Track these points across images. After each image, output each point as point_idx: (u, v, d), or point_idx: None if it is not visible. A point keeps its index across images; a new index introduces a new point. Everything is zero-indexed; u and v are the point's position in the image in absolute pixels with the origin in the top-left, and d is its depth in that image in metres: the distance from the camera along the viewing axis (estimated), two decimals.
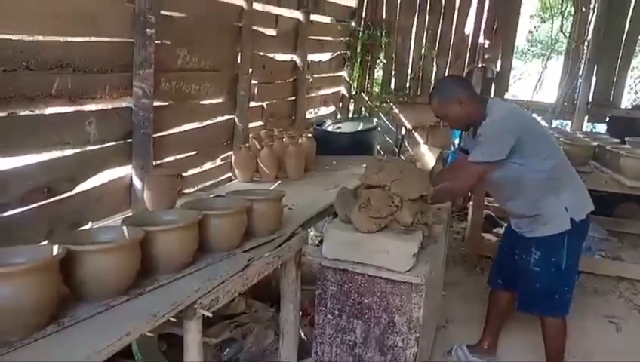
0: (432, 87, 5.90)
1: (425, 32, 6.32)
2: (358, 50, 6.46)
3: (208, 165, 3.84)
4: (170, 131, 3.31)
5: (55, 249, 1.51)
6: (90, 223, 2.72)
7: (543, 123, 5.54)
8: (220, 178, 3.98)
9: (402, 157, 6.45)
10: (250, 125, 4.32)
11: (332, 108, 6.26)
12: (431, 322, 2.97)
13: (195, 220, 1.95)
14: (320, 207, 3.05)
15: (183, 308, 1.72)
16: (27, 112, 2.31)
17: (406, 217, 2.44)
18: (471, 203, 5.04)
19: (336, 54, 6.07)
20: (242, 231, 2.22)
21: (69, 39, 2.47)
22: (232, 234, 2.15)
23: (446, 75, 6.27)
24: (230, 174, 4.00)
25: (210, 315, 1.81)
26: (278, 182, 3.82)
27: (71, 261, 1.55)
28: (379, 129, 6.42)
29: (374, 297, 2.45)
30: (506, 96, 6.15)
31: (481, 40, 6.10)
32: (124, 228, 1.78)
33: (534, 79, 6.96)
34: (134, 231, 1.74)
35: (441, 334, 3.60)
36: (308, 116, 5.68)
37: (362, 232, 2.40)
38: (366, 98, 6.56)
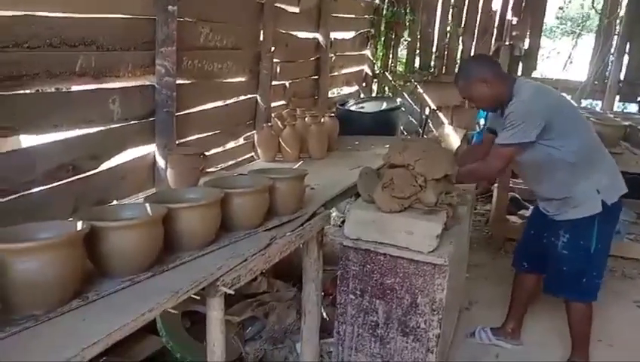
0: (457, 66, 5.79)
1: (450, 9, 6.19)
2: (382, 28, 6.35)
3: (231, 144, 3.84)
4: (193, 110, 3.30)
5: (79, 224, 1.52)
6: (115, 201, 2.74)
7: (573, 102, 5.39)
8: (243, 157, 3.97)
9: (426, 138, 6.40)
10: (273, 104, 4.29)
11: (355, 88, 6.19)
12: (454, 304, 2.94)
13: (218, 198, 1.94)
14: (342, 186, 3.02)
15: (206, 285, 1.72)
16: (52, 90, 2.32)
17: (430, 197, 2.40)
18: (496, 184, 4.96)
19: (359, 32, 5.98)
20: (264, 210, 2.21)
21: (93, 16, 2.46)
22: (255, 212, 2.15)
23: (472, 53, 6.15)
24: (253, 154, 3.99)
25: (232, 293, 1.81)
26: (300, 162, 3.81)
27: (95, 237, 1.56)
28: (403, 109, 6.35)
29: (397, 278, 2.43)
30: (534, 74, 6.00)
31: (508, 17, 5.95)
32: (147, 205, 1.78)
33: (564, 57, 6.77)
34: (157, 208, 1.74)
35: (465, 316, 3.57)
36: (330, 95, 5.64)
37: (385, 212, 2.38)
38: (389, 77, 6.47)
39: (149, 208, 1.76)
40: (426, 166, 2.41)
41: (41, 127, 2.29)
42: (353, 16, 5.73)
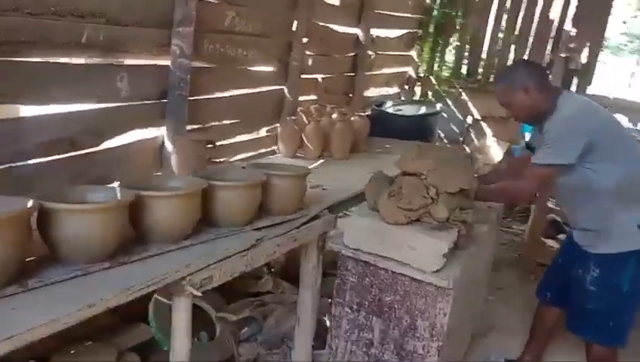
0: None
1: (505, 14, 5.84)
2: (431, 30, 6.08)
3: (252, 135, 3.70)
4: (210, 95, 3.17)
5: (29, 202, 1.39)
6: (117, 182, 2.64)
7: (629, 124, 5.00)
8: (264, 150, 3.82)
9: (466, 148, 6.10)
10: (302, 98, 4.13)
11: (396, 89, 5.95)
12: (463, 330, 2.70)
13: (198, 189, 1.79)
14: (356, 190, 2.82)
15: (166, 283, 1.57)
16: (53, 60, 2.22)
17: (441, 212, 2.18)
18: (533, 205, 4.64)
19: (405, 32, 5.73)
20: (254, 207, 2.04)
21: None
22: (242, 209, 1.98)
23: None
24: (275, 147, 3.84)
25: (200, 294, 1.65)
26: (320, 161, 3.63)
27: (47, 218, 1.44)
28: (444, 115, 6.08)
29: (396, 296, 2.22)
30: (589, 91, 5.59)
31: (567, 27, 5.55)
32: (117, 189, 1.65)
33: (624, 75, 6.31)
34: (124, 194, 1.60)
35: (480, 343, 3.31)
36: (368, 94, 5.42)
37: (389, 223, 2.17)
38: (434, 81, 6.19)
39: (118, 193, 1.63)
40: (440, 177, 2.18)
41: (37, 98, 2.21)
42: (400, 14, 5.48)
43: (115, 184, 2.53)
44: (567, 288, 2.63)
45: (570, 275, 2.60)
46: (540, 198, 4.42)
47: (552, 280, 2.85)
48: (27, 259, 1.47)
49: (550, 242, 4.80)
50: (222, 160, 3.10)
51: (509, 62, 5.92)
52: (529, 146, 2.73)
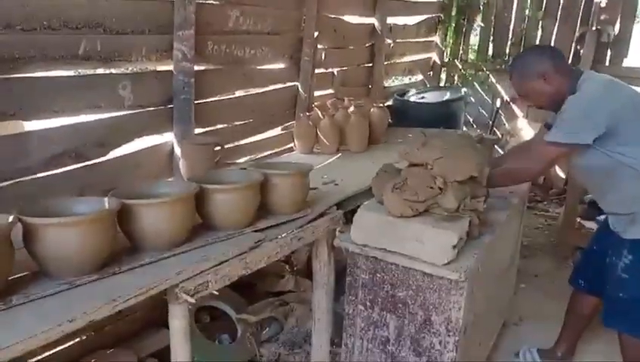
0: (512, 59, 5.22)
1: None
2: (453, 13, 5.89)
3: (267, 134, 3.66)
4: (219, 97, 3.14)
5: (10, 218, 1.38)
6: None
7: None
8: (281, 148, 3.78)
9: (497, 132, 5.89)
10: (320, 93, 4.07)
11: (420, 77, 5.80)
12: (487, 322, 2.58)
13: (189, 195, 1.75)
14: (368, 184, 2.74)
15: (156, 292, 1.54)
16: (50, 74, 2.24)
17: (450, 202, 2.07)
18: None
19: (426, 17, 5.57)
20: (253, 208, 2.00)
21: None
22: (240, 211, 1.94)
23: (552, 39, 5.54)
24: (292, 144, 3.80)
25: (194, 301, 1.62)
26: (338, 155, 3.57)
27: (31, 233, 1.43)
28: (472, 99, 5.90)
29: (409, 291, 2.14)
30: (625, 63, 5.29)
31: None
32: (106, 199, 1.63)
33: None
34: (111, 204, 1.58)
35: (512, 332, 3.19)
36: (390, 84, 5.30)
37: (395, 216, 2.08)
38: (460, 66, 6.00)
39: (106, 203, 1.61)
40: (447, 166, 2.08)
41: (39, 113, 2.22)
42: None
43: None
44: (601, 276, 2.48)
45: (604, 262, 2.45)
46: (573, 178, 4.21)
47: (586, 267, 2.70)
48: (15, 276, 1.48)
49: (589, 224, 4.57)
50: (232, 161, 3.08)
51: (537, 40, 5.67)
52: (548, 125, 2.58)
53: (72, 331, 1.32)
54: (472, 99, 5.93)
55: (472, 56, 6.07)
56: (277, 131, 3.75)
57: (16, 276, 1.50)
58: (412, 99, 5.04)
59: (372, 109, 3.93)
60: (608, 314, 2.39)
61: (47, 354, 2.22)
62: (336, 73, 4.24)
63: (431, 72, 5.97)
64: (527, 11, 5.66)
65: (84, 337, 2.43)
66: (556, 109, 2.42)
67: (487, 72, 5.88)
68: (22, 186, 2.19)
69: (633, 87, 2.36)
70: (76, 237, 1.44)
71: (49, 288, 1.45)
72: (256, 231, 2.00)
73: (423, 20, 5.51)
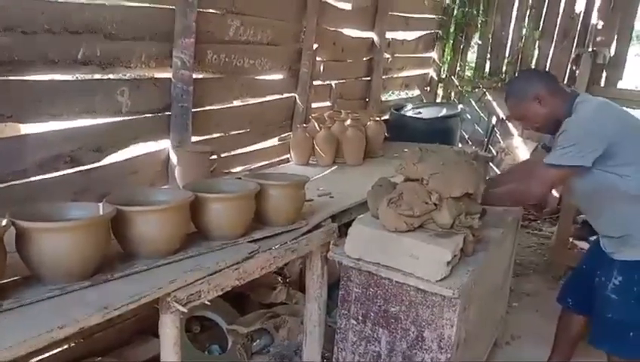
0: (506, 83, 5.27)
1: (528, 10, 5.66)
2: (451, 30, 5.94)
3: (263, 144, 3.66)
4: (217, 106, 3.14)
5: (3, 222, 1.37)
6: None
7: None
8: (277, 159, 3.78)
9: (492, 149, 5.92)
10: (316, 105, 4.08)
11: (416, 92, 5.83)
12: (478, 340, 2.57)
13: (185, 202, 1.75)
14: (363, 198, 2.73)
15: (149, 300, 1.52)
16: (48, 77, 2.23)
17: (444, 218, 2.08)
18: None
19: (424, 33, 5.61)
20: (248, 218, 1.99)
21: (99, 2, 2.36)
22: (235, 220, 1.93)
23: (549, 59, 5.60)
24: (288, 156, 3.79)
25: (186, 310, 1.61)
26: (334, 167, 3.58)
27: (24, 238, 1.42)
28: (468, 116, 5.93)
29: (402, 306, 2.13)
30: (620, 85, 5.35)
31: (593, 20, 5.33)
32: (100, 205, 1.62)
33: None
34: (106, 210, 1.57)
35: (503, 352, 3.18)
36: (387, 98, 5.33)
37: (390, 231, 2.08)
38: (456, 82, 6.04)
39: (101, 209, 1.60)
40: (443, 182, 2.09)
41: (36, 116, 2.21)
42: (417, 15, 5.37)
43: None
44: (589, 295, 2.49)
45: (593, 282, 2.46)
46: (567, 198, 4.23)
47: (575, 286, 2.71)
48: (7, 280, 1.46)
49: (582, 244, 4.59)
50: (227, 170, 3.07)
51: (534, 59, 5.73)
52: (546, 147, 2.60)
53: (62, 338, 1.30)
54: (469, 116, 5.97)
55: (468, 73, 6.11)
56: (273, 142, 3.75)
57: (8, 280, 1.49)
58: (409, 114, 5.06)
59: (369, 123, 3.95)
60: (597, 334, 2.39)
61: (34, 360, 2.19)
62: (334, 86, 4.26)
63: (428, 88, 6.00)
64: (524, 30, 5.71)
65: (72, 344, 2.40)
66: (552, 132, 2.44)
67: (484, 90, 5.92)
68: (16, 189, 2.17)
69: (626, 109, 2.39)
70: (69, 242, 1.43)
71: (40, 293, 1.43)
72: (250, 241, 1.99)
73: (421, 36, 5.55)
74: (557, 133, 2.36)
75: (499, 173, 3.37)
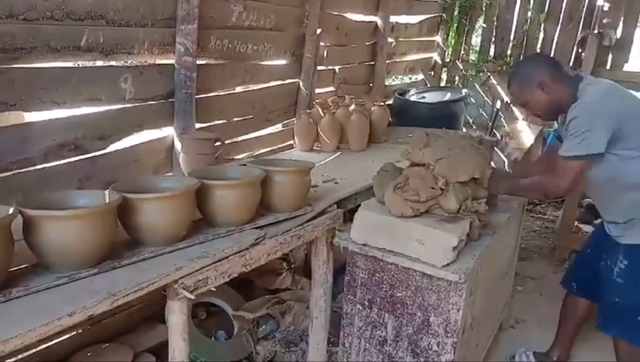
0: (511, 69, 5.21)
1: None
2: (455, 13, 5.88)
3: (267, 130, 3.65)
4: (220, 92, 3.13)
5: (10, 210, 1.37)
6: None
7: None
8: (281, 145, 3.77)
9: (497, 133, 5.88)
10: (320, 90, 4.06)
11: (420, 76, 5.79)
12: (484, 324, 2.58)
13: (191, 189, 1.74)
14: (368, 183, 2.72)
15: (156, 288, 1.53)
16: (51, 65, 2.22)
17: (451, 203, 2.07)
18: None
19: (428, 17, 5.56)
20: (253, 205, 1.99)
21: None
22: (240, 207, 1.92)
23: (554, 42, 5.54)
24: (292, 141, 3.79)
25: (193, 297, 1.61)
26: (338, 153, 3.57)
27: (32, 226, 1.42)
28: (472, 100, 5.88)
29: (408, 291, 2.13)
30: (626, 68, 5.29)
31: (599, 2, 5.26)
32: (106, 193, 1.62)
33: None
34: (112, 198, 1.57)
35: (508, 335, 3.20)
36: (391, 83, 5.29)
37: (396, 216, 2.08)
38: (460, 66, 6.00)
39: (107, 196, 1.60)
40: (449, 167, 2.08)
41: (40, 104, 2.20)
42: None
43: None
44: (594, 279, 2.49)
45: (598, 266, 2.46)
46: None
47: (579, 270, 2.72)
48: (15, 268, 1.47)
49: (586, 228, 4.58)
50: (231, 157, 3.06)
51: (539, 42, 5.67)
52: (560, 138, 2.56)
53: (70, 325, 1.31)
54: (473, 100, 5.92)
55: (473, 56, 6.06)
56: (277, 128, 3.74)
57: (16, 268, 1.50)
58: (413, 98, 5.03)
59: (373, 108, 3.93)
60: (603, 318, 2.40)
61: (42, 346, 2.21)
62: (337, 71, 4.23)
63: (432, 72, 5.96)
64: (529, 13, 5.66)
65: (80, 331, 2.41)
66: (553, 118, 2.41)
67: (488, 73, 5.88)
68: (22, 177, 2.17)
69: (632, 92, 2.37)
70: (76, 230, 1.43)
71: (48, 281, 1.44)
72: (256, 228, 1.99)
73: (425, 20, 5.50)
74: (560, 119, 2.35)
75: (512, 159, 3.32)
